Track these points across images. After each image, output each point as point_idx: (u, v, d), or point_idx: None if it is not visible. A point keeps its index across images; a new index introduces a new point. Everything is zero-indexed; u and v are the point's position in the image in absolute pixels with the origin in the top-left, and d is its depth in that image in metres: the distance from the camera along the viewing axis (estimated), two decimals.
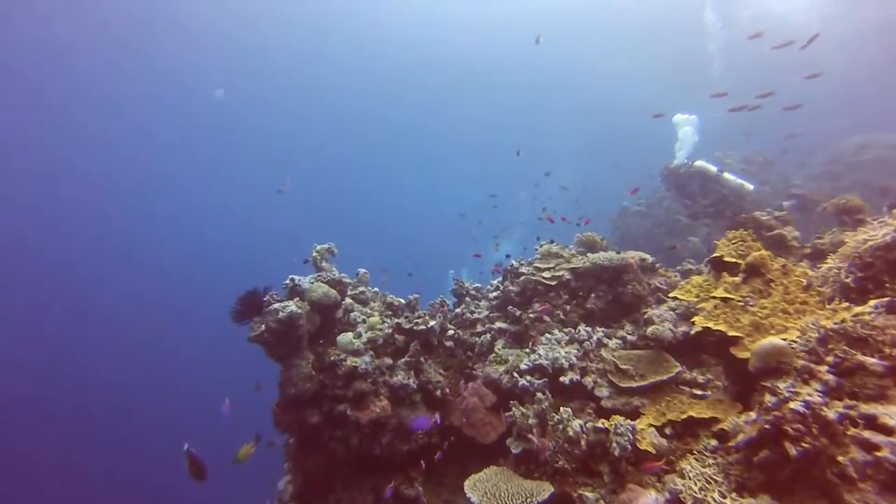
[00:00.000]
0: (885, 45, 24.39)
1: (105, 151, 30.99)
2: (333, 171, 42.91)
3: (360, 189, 43.91)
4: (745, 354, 2.75)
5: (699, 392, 3.67)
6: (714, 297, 3.22)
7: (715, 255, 3.65)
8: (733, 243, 3.62)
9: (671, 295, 3.75)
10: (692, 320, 3.13)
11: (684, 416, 3.03)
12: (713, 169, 8.01)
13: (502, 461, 4.45)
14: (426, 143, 43.09)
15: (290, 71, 35.24)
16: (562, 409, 3.40)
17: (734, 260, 3.50)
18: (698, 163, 8.15)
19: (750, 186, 7.88)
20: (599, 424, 3.10)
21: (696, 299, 3.52)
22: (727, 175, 7.97)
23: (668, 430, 3.05)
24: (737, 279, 3.26)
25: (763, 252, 3.15)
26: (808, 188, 11.58)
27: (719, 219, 8.38)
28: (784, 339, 2.53)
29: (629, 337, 4.40)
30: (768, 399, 2.32)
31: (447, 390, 4.73)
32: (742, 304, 3.02)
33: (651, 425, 3.06)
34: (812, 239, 4.53)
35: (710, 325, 2.96)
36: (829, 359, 2.35)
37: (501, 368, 4.74)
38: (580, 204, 9.23)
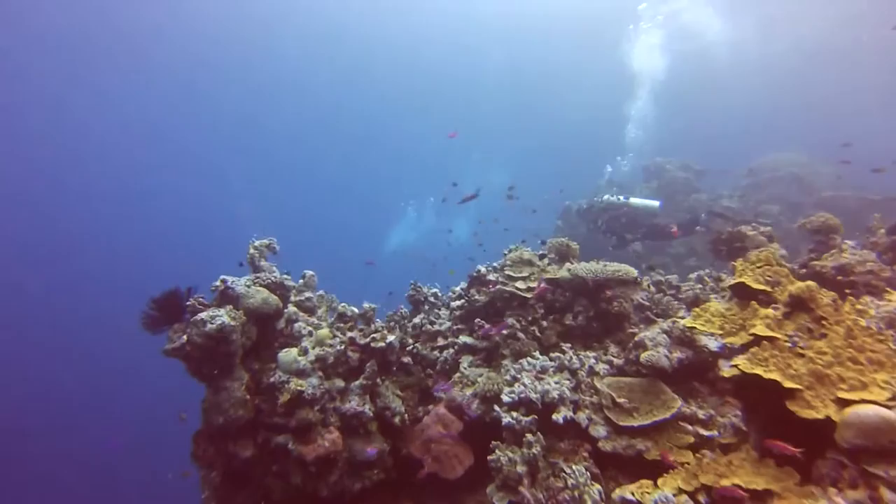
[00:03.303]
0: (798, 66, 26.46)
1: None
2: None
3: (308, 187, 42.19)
4: (811, 414, 2.25)
5: (704, 432, 3.23)
6: (752, 334, 2.72)
7: (737, 279, 3.19)
8: (758, 267, 3.17)
9: (687, 324, 3.23)
10: (734, 363, 2.60)
11: (726, 483, 2.50)
12: (620, 199, 9.41)
13: (468, 499, 3.88)
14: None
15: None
16: (574, 466, 2.78)
17: (762, 287, 3.05)
18: (606, 197, 9.60)
19: (656, 204, 9.36)
20: (628, 495, 2.51)
21: (720, 332, 3.03)
22: (634, 200, 9.39)
23: (702, 498, 2.51)
24: (777, 313, 2.78)
25: (811, 283, 2.68)
26: (734, 199, 12.02)
27: (644, 237, 9.43)
28: (877, 403, 2.06)
29: (615, 360, 3.92)
30: (888, 497, 1.82)
31: (406, 417, 4.02)
32: (790, 345, 2.54)
33: (681, 490, 2.52)
34: (807, 259, 4.24)
35: (760, 371, 2.44)
36: None
37: (469, 391, 4.11)
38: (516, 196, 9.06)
